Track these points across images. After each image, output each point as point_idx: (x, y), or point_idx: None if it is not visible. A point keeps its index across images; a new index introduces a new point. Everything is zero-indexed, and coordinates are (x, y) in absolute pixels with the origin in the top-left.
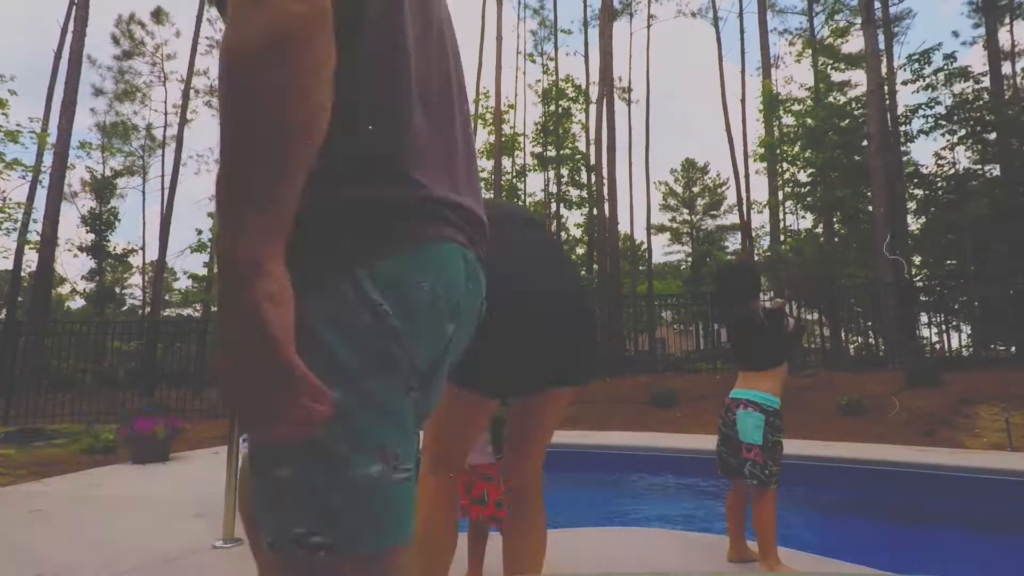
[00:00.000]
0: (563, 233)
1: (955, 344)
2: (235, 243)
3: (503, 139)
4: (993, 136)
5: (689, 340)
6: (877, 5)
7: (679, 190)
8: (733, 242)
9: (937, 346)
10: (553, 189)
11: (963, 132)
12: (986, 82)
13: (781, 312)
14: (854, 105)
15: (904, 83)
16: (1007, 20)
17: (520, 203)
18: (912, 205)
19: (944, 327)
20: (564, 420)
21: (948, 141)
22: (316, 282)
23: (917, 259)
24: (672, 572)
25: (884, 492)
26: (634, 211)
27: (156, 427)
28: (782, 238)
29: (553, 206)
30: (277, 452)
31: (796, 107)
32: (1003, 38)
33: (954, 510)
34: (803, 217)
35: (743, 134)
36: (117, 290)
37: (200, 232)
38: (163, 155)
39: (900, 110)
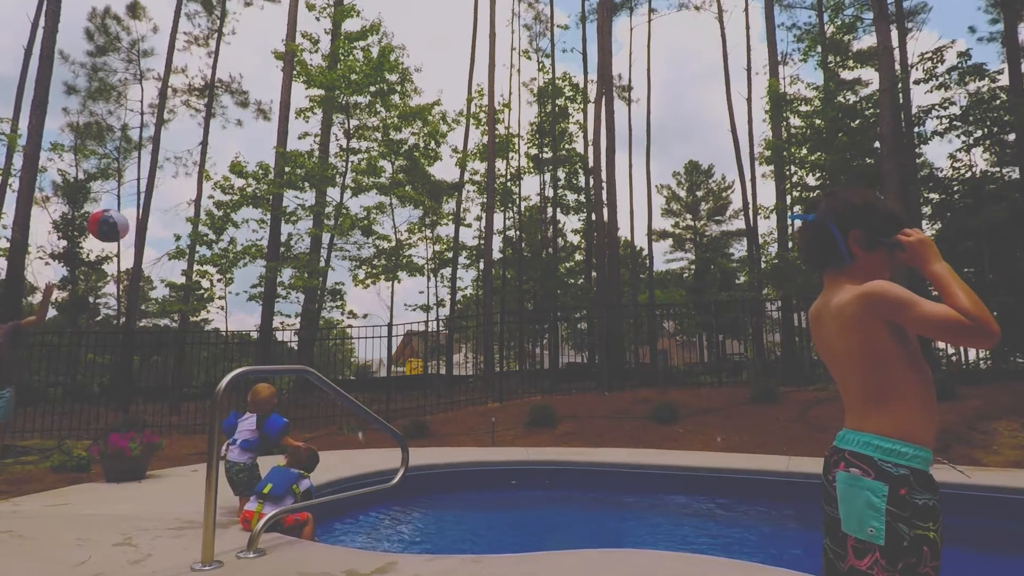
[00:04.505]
0: (559, 239)
1: (971, 356)
2: None
3: (497, 140)
4: (1012, 137)
5: (692, 352)
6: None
7: (682, 194)
8: (739, 248)
9: (953, 358)
10: (549, 193)
11: (980, 133)
12: (1004, 80)
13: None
14: (865, 105)
15: (917, 82)
16: None
17: (515, 207)
18: (927, 210)
19: None
20: (561, 436)
21: (964, 143)
22: None
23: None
24: None
25: None
26: (634, 216)
27: (131, 443)
28: (791, 244)
29: (549, 211)
30: None
31: (804, 107)
32: (1023, 34)
33: (969, 531)
34: None
35: (749, 135)
36: (91, 299)
37: (178, 238)
38: (139, 157)
39: (914, 110)
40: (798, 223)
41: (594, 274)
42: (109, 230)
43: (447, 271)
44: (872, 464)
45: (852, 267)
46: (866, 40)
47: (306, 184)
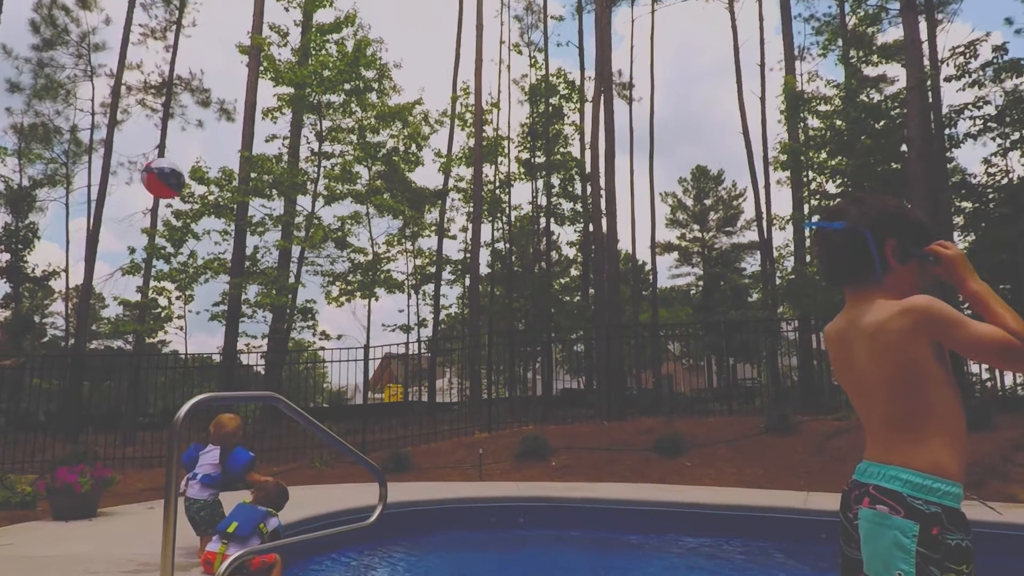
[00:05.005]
0: (553, 252)
1: (1008, 382)
2: None
3: (485, 143)
4: None
5: (700, 377)
6: None
7: (689, 203)
8: (751, 263)
9: (988, 384)
10: (542, 201)
11: (1017, 135)
12: None
13: None
14: (891, 104)
15: (948, 79)
16: None
17: (504, 217)
18: (959, 220)
19: None
20: (555, 470)
21: (1000, 146)
22: None
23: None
24: None
25: None
26: (636, 227)
27: (81, 478)
28: (808, 258)
29: (542, 221)
30: None
31: (823, 107)
32: None
33: (1001, 574)
34: None
35: (763, 138)
36: (36, 319)
37: (133, 251)
38: (90, 162)
39: (944, 110)
40: (815, 232)
41: (592, 291)
42: (176, 179)
43: (429, 287)
44: (901, 501)
45: (884, 281)
46: (892, 33)
47: (274, 192)
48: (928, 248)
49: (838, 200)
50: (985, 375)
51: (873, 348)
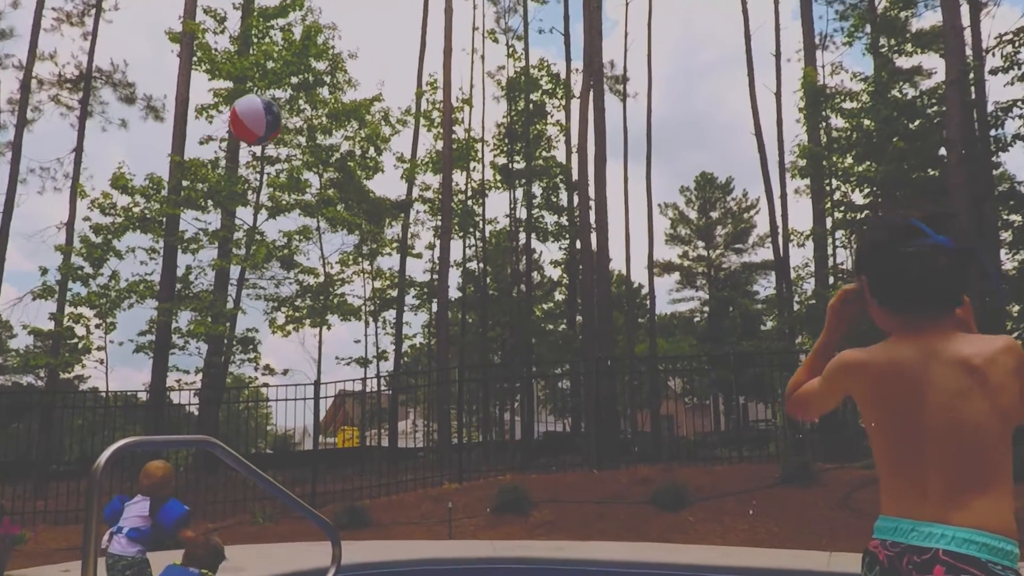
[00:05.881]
0: (535, 273)
1: None
2: None
3: (455, 146)
4: None
5: (705, 418)
6: None
7: (692, 215)
8: (765, 285)
9: None
10: (522, 214)
11: None
12: None
13: None
14: (927, 101)
15: (994, 71)
16: None
17: (478, 231)
18: (1006, 235)
19: None
20: (537, 526)
21: None
22: None
23: (1015, 308)
24: None
25: None
26: (631, 244)
27: None
28: (831, 280)
29: (522, 236)
30: None
31: (849, 103)
32: None
33: None
34: None
35: (778, 140)
36: None
37: (45, 272)
38: None
39: (990, 107)
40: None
41: (579, 318)
42: (273, 119)
43: (390, 314)
44: (982, 568)
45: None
46: (929, 18)
47: (210, 202)
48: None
49: (868, 212)
50: None
51: (974, 386)
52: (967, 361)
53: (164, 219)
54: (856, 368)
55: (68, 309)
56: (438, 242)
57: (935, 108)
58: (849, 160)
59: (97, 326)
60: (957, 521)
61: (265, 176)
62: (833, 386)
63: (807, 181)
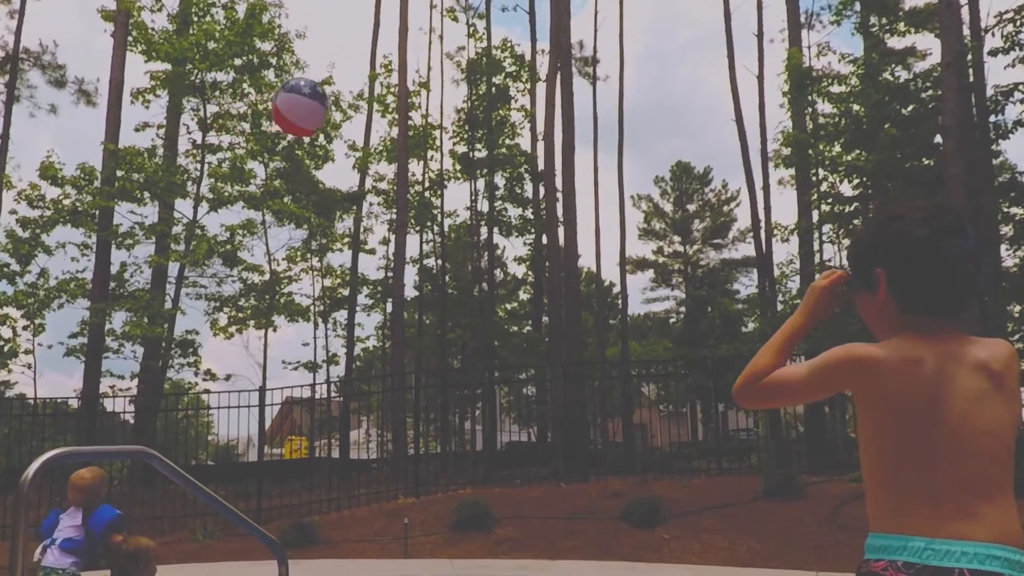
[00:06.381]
0: (498, 270)
1: None
2: None
3: (411, 133)
4: None
5: (682, 427)
6: None
7: (668, 208)
8: (747, 283)
9: None
10: (484, 206)
11: None
12: None
13: None
14: (922, 84)
15: (994, 52)
16: None
17: (436, 225)
18: (1007, 229)
19: None
20: (499, 544)
21: None
22: None
23: (1016, 308)
24: None
25: None
26: (601, 239)
27: None
28: (819, 277)
29: (484, 231)
30: None
31: (837, 87)
32: None
33: None
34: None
35: (760, 126)
36: None
37: None
38: None
39: (989, 91)
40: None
41: (545, 319)
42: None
43: (341, 315)
44: None
45: None
46: None
47: (146, 194)
48: None
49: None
50: None
51: (992, 391)
52: (986, 365)
53: (97, 212)
54: (869, 365)
55: None
56: (393, 237)
57: (930, 92)
58: (837, 148)
59: (24, 328)
60: (976, 536)
61: (206, 166)
62: (827, 380)
63: (792, 171)
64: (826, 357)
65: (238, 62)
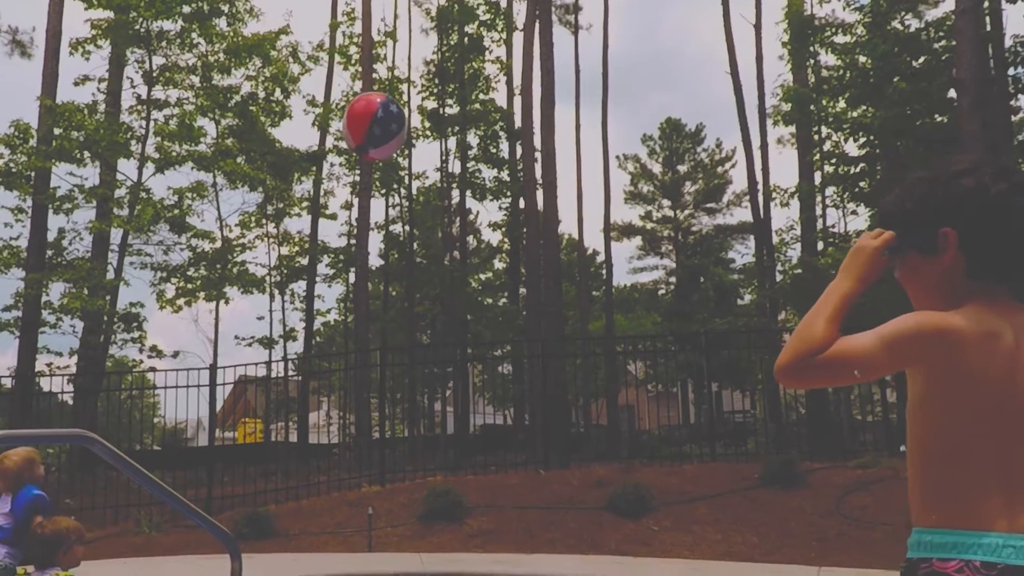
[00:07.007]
0: (471, 238)
1: None
2: None
3: (376, 87)
4: None
5: (672, 408)
6: None
7: (656, 169)
8: (743, 251)
9: None
10: (455, 167)
11: None
12: None
13: None
14: (934, 34)
15: None
16: None
17: (403, 188)
18: None
19: None
20: (472, 536)
21: None
22: None
23: None
24: None
25: None
26: (584, 203)
27: None
28: (821, 245)
29: (455, 194)
30: None
31: (841, 37)
32: None
33: None
34: (853, 212)
35: (758, 80)
36: None
37: None
38: None
39: (1008, 42)
40: None
41: (523, 291)
42: (387, 130)
43: (300, 286)
44: None
45: None
46: None
47: (86, 154)
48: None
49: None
50: None
51: None
52: None
53: (32, 173)
54: (952, 337)
55: None
56: (356, 201)
57: (943, 42)
58: (842, 104)
59: None
60: None
61: (152, 123)
62: (903, 354)
63: (792, 129)
64: (900, 328)
65: (187, 9)
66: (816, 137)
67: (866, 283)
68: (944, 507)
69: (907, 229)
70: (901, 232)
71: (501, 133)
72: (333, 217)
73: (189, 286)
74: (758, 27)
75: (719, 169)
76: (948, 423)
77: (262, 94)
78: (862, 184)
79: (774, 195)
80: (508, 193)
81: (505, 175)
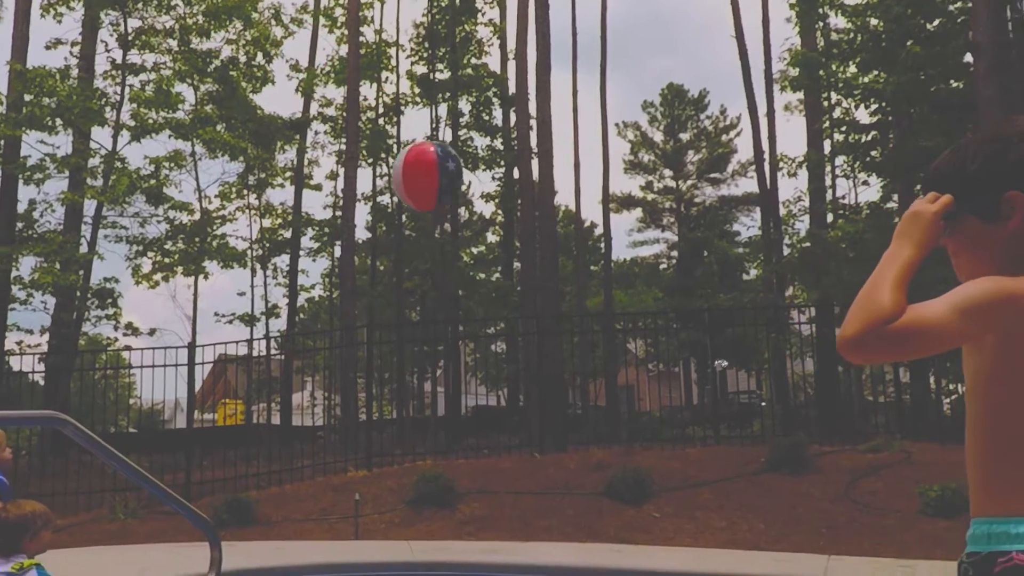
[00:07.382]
0: (463, 209)
1: None
2: None
3: (363, 51)
4: None
5: (674, 389)
6: None
7: (658, 137)
8: (748, 223)
9: None
10: (446, 135)
11: None
12: None
13: None
14: None
15: None
16: None
17: (393, 157)
18: None
19: None
20: (464, 523)
21: None
22: None
23: None
24: None
25: None
26: (581, 173)
27: None
28: (830, 217)
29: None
30: None
31: None
32: None
33: None
34: (865, 183)
35: (764, 44)
36: None
37: None
38: None
39: None
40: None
41: (517, 265)
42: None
43: (283, 260)
44: None
45: None
46: None
47: (58, 121)
48: None
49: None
50: None
51: None
52: None
53: (1, 142)
54: None
55: None
56: (342, 171)
57: (959, 4)
58: (852, 69)
59: None
60: None
61: (127, 89)
62: (980, 322)
63: (800, 95)
64: (972, 293)
65: None
66: (825, 104)
67: (926, 250)
68: (1015, 493)
69: (967, 193)
70: (959, 196)
71: (494, 99)
72: (318, 188)
73: (166, 260)
74: None
75: (723, 137)
76: (1018, 401)
77: (243, 58)
78: (873, 153)
79: (781, 164)
80: (502, 162)
81: (499, 143)
